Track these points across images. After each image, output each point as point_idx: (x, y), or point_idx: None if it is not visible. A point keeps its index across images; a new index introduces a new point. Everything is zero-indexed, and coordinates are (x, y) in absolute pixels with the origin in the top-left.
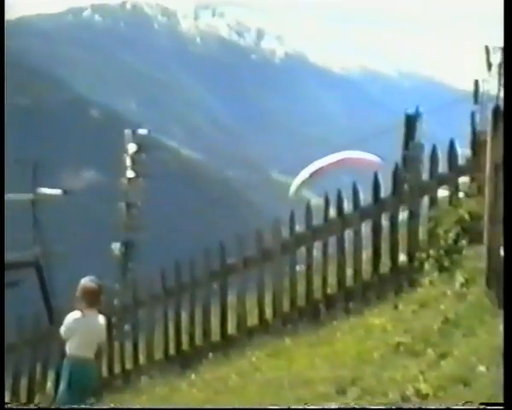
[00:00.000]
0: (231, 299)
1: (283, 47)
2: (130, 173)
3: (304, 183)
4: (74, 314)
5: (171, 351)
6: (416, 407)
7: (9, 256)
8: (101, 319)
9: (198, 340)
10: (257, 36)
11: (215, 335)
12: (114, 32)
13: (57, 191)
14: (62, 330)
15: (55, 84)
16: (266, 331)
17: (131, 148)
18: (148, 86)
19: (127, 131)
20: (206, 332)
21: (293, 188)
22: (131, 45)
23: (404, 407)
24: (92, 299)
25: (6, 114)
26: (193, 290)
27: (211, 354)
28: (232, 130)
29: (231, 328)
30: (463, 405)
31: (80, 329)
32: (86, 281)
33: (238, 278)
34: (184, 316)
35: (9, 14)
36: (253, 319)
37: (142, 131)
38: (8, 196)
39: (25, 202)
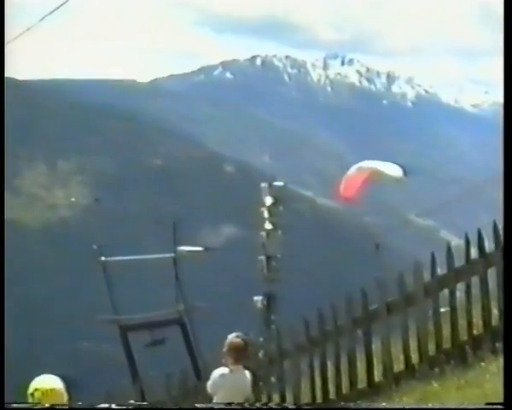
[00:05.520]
0: (376, 345)
1: (414, 89)
2: (268, 226)
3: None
4: (221, 370)
5: (319, 400)
6: (417, 407)
7: (154, 315)
8: (247, 375)
9: (344, 388)
10: (387, 80)
11: (361, 382)
12: (245, 87)
13: (198, 248)
14: (209, 385)
15: (188, 143)
16: (413, 376)
17: (268, 200)
18: (280, 138)
19: (263, 185)
20: (353, 380)
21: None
22: (263, 99)
23: (403, 407)
24: (238, 354)
25: (143, 175)
26: (337, 339)
27: (358, 402)
28: None
29: (377, 375)
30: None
31: (226, 385)
32: (233, 337)
33: (382, 323)
34: (330, 365)
35: (143, 78)
36: (399, 365)
37: (278, 184)
38: (150, 257)
39: (166, 261)
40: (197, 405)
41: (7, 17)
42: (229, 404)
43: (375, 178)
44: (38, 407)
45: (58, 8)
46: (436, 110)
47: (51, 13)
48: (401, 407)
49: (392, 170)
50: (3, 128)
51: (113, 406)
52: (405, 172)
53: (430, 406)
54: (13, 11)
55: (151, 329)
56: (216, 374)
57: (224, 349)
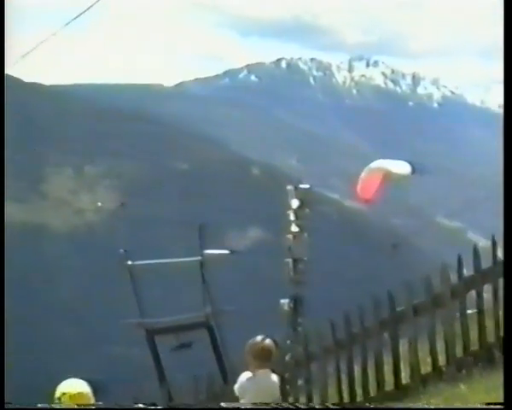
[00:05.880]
0: (403, 347)
1: (440, 91)
2: (294, 229)
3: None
4: (248, 373)
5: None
6: (417, 406)
7: (181, 319)
8: (274, 378)
9: (372, 390)
10: (413, 82)
11: (388, 385)
12: (271, 90)
13: (224, 251)
14: (236, 388)
15: (214, 146)
16: (440, 379)
17: (294, 203)
18: (306, 141)
19: (289, 187)
20: (380, 382)
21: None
22: (288, 102)
23: (403, 407)
24: (264, 357)
25: (170, 179)
26: (364, 341)
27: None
28: None
29: (405, 377)
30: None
31: (253, 388)
32: (258, 340)
33: (409, 325)
34: (357, 367)
35: (167, 82)
36: (426, 367)
37: (304, 186)
38: (176, 261)
39: (193, 265)
40: (223, 404)
41: (27, 23)
42: (256, 404)
43: (388, 177)
44: (64, 407)
45: (83, 12)
46: (462, 111)
47: (76, 18)
48: (399, 407)
49: (400, 167)
50: (3, 128)
51: (140, 405)
52: (414, 170)
53: (433, 406)
54: (33, 16)
55: (178, 332)
56: (243, 377)
57: (250, 352)
